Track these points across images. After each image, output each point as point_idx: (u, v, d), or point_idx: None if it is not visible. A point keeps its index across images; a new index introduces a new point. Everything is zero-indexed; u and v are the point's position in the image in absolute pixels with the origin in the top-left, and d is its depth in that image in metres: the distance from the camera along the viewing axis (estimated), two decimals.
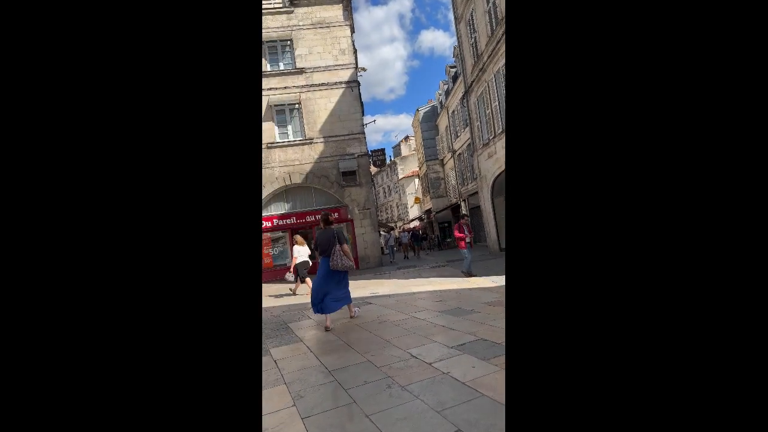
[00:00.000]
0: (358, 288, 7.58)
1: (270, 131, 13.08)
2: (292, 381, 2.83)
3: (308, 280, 7.78)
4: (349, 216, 13.25)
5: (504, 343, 2.31)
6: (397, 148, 42.90)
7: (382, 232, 21.50)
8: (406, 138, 41.46)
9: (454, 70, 21.96)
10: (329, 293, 4.54)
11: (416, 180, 35.53)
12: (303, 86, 13.30)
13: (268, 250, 13.09)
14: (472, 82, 13.76)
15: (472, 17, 13.09)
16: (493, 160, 12.58)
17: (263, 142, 12.86)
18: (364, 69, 14.97)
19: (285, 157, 13.09)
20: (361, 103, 14.33)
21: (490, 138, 12.68)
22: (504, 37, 9.79)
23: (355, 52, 14.47)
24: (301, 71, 13.29)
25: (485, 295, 5.47)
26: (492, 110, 12.31)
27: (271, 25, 13.27)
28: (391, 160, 39.92)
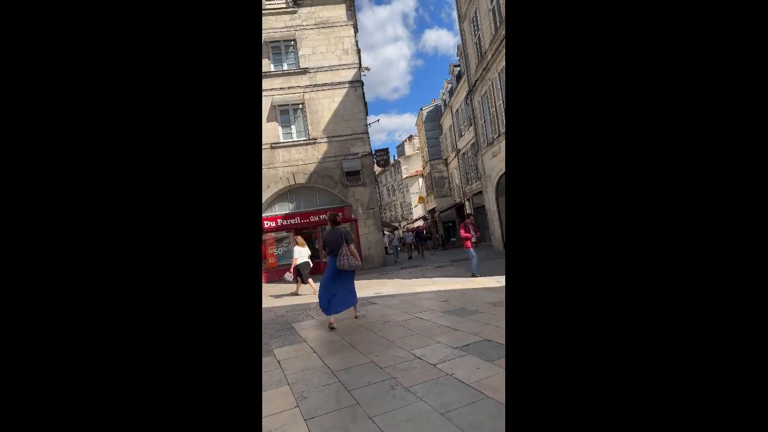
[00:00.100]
0: (362, 288, 7.57)
1: (274, 131, 13.11)
2: (295, 382, 2.83)
3: (311, 281, 7.87)
4: (352, 216, 13.25)
5: None
6: (400, 148, 42.89)
7: (385, 232, 21.50)
8: (410, 137, 41.44)
9: (458, 69, 21.90)
10: (336, 294, 4.57)
11: (420, 179, 35.53)
12: (306, 86, 13.31)
13: (272, 250, 13.13)
14: (476, 81, 13.71)
15: (476, 15, 13.03)
16: (498, 160, 12.53)
17: (267, 142, 12.89)
18: (367, 68, 14.97)
19: (289, 157, 13.11)
20: (365, 102, 14.32)
21: (495, 137, 12.62)
22: None
23: (359, 51, 14.47)
24: (304, 71, 13.30)
25: (489, 295, 5.44)
26: (496, 109, 12.26)
27: (275, 26, 13.30)
28: (394, 159, 39.93)
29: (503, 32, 10.67)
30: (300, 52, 13.40)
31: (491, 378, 2.44)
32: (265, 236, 12.98)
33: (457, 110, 21.65)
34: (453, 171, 24.84)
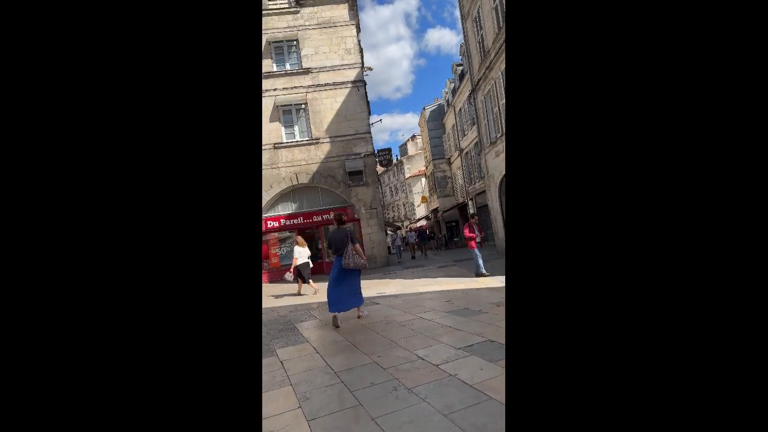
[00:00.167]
0: (365, 288, 7.55)
1: (276, 131, 13.13)
2: (298, 382, 2.82)
3: (311, 281, 7.96)
4: (355, 216, 13.25)
5: None
6: (403, 147, 42.85)
7: (388, 232, 21.49)
8: (413, 137, 41.40)
9: (461, 68, 21.85)
10: (343, 293, 4.62)
11: (423, 179, 35.49)
12: (309, 86, 13.32)
13: (275, 250, 13.15)
14: (479, 80, 13.67)
15: (479, 14, 12.99)
16: (501, 159, 12.48)
17: (270, 142, 12.91)
18: (370, 68, 14.96)
19: (292, 157, 13.12)
20: (368, 102, 14.31)
21: (498, 136, 12.58)
22: None
23: (361, 51, 14.47)
24: (307, 71, 13.32)
25: (493, 295, 5.42)
26: (499, 108, 12.22)
27: (277, 26, 13.31)
28: (397, 159, 39.92)
29: None
30: (302, 52, 13.41)
31: (494, 379, 2.43)
32: (268, 236, 13.01)
33: (460, 109, 21.60)
34: (456, 170, 24.79)
